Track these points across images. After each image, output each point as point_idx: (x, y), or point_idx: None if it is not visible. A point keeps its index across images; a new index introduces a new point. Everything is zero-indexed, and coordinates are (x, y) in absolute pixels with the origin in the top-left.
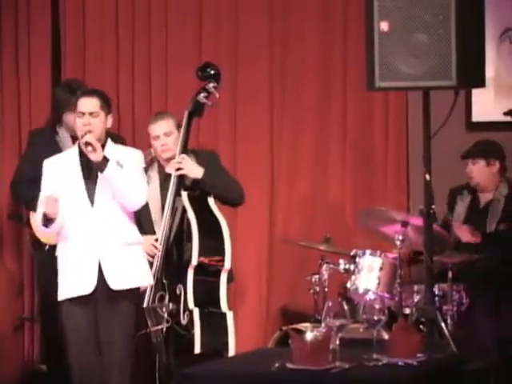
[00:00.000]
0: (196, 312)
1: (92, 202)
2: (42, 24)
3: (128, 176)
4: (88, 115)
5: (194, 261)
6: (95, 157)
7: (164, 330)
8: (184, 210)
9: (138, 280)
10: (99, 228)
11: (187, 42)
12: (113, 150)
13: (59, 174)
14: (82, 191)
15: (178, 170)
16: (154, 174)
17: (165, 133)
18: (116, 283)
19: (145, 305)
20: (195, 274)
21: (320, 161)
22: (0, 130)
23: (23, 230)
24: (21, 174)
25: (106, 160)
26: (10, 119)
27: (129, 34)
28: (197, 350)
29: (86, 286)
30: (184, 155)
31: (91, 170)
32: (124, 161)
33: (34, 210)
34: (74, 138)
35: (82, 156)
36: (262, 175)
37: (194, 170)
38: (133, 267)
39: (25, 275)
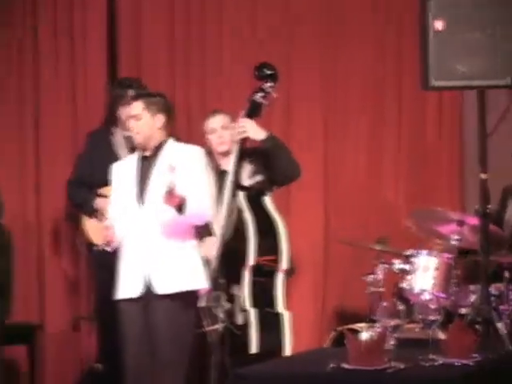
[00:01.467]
0: (252, 312)
1: (142, 203)
2: (98, 24)
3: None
4: (132, 118)
5: (251, 261)
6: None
7: (220, 329)
8: (240, 210)
9: (186, 284)
10: (149, 230)
11: (242, 42)
12: (172, 149)
13: (121, 176)
14: (135, 193)
15: (241, 134)
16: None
17: (222, 126)
18: (162, 287)
19: (201, 304)
20: (251, 274)
21: (374, 160)
22: (56, 131)
23: (79, 231)
24: (76, 175)
25: None
26: (65, 120)
27: (184, 34)
28: (252, 350)
29: (134, 289)
30: (246, 119)
31: (146, 171)
32: (183, 161)
33: (86, 212)
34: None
35: (141, 158)
36: (315, 175)
37: (257, 132)
38: (182, 271)
39: (81, 275)
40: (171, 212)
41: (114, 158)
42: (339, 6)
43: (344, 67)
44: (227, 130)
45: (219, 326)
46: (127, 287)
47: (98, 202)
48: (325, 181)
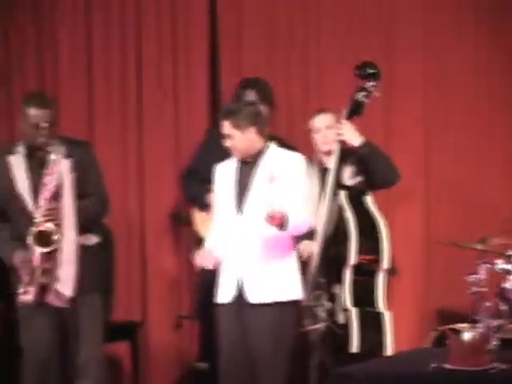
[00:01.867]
0: (353, 311)
1: (241, 212)
2: (200, 27)
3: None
4: (226, 137)
5: (352, 260)
6: None
7: (321, 329)
8: (341, 209)
9: (279, 295)
10: (247, 239)
11: (342, 40)
12: (273, 156)
13: (222, 179)
14: (234, 201)
15: (339, 136)
16: (314, 169)
17: (326, 126)
18: (254, 297)
19: (302, 304)
20: (352, 273)
21: (478, 159)
22: (159, 131)
23: (182, 230)
24: (190, 169)
25: None
26: (168, 120)
27: (285, 34)
28: (353, 349)
29: (228, 295)
30: (346, 121)
31: (246, 179)
32: (283, 170)
33: (199, 207)
34: None
35: (241, 163)
36: (416, 174)
37: (353, 137)
38: (276, 281)
39: (183, 273)
40: (272, 228)
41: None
42: (439, 5)
43: (446, 66)
44: (331, 130)
45: (320, 326)
46: (223, 292)
47: (211, 198)
48: (425, 181)
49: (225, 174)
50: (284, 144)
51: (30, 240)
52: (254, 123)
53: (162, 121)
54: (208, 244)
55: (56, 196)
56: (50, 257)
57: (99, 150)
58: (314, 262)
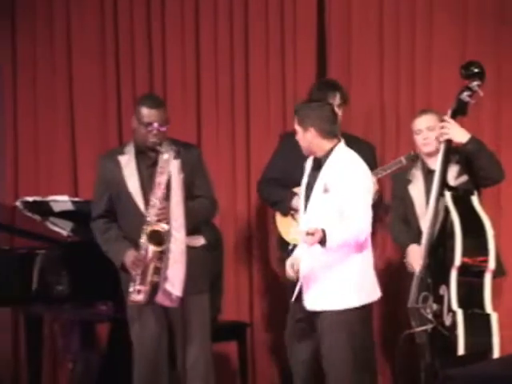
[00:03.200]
0: (459, 313)
1: (305, 208)
2: (308, 25)
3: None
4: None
5: (458, 261)
6: None
7: (428, 330)
8: (447, 210)
9: (336, 303)
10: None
11: (451, 40)
12: (335, 162)
13: (305, 175)
14: (303, 200)
15: (444, 135)
16: (418, 171)
17: (427, 127)
18: (311, 304)
19: (409, 305)
20: (459, 274)
21: None
22: (266, 130)
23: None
24: (266, 173)
25: None
26: (275, 118)
27: (392, 34)
28: (460, 351)
29: (293, 294)
30: (449, 119)
31: (311, 183)
32: (339, 179)
33: (279, 210)
34: None
35: (311, 165)
36: None
37: (459, 134)
38: (332, 289)
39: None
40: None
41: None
42: None
43: None
44: (433, 131)
45: (427, 327)
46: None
47: (295, 202)
48: None
49: (307, 170)
50: (354, 142)
51: (143, 239)
52: (314, 124)
53: (269, 120)
54: (298, 251)
55: (167, 196)
56: (162, 256)
57: (208, 153)
58: (421, 265)
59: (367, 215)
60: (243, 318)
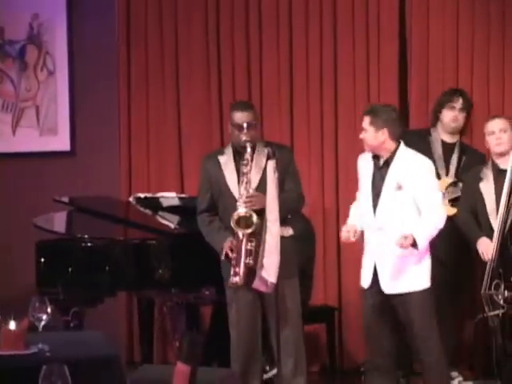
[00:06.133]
0: None
1: (374, 214)
2: (390, 27)
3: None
4: (363, 130)
5: None
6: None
7: (500, 315)
8: None
9: (413, 285)
10: (378, 237)
11: None
12: (402, 160)
13: (363, 170)
14: (370, 201)
15: None
16: (489, 170)
17: (500, 129)
18: (388, 287)
19: (482, 291)
20: None
21: None
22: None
23: None
24: None
25: None
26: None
27: (470, 36)
28: None
29: (365, 281)
30: None
31: (379, 182)
32: (411, 175)
33: None
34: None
35: (376, 165)
36: None
37: None
38: (410, 272)
39: None
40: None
41: (428, 156)
42: None
43: None
44: (505, 133)
45: (499, 312)
46: (362, 277)
47: None
48: None
49: (365, 167)
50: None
51: (232, 224)
52: (388, 125)
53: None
54: (350, 220)
55: (258, 186)
56: (251, 239)
57: (299, 152)
58: (493, 255)
59: (441, 202)
60: (331, 302)
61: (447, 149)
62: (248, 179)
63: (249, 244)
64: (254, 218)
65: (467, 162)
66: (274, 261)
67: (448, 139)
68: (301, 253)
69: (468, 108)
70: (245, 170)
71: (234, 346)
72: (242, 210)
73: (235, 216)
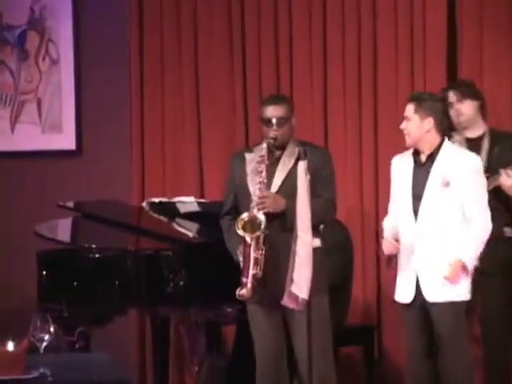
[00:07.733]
0: None
1: (416, 217)
2: (437, 23)
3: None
4: (405, 119)
5: None
6: None
7: None
8: None
9: (456, 294)
10: (420, 242)
11: None
12: (447, 155)
13: (399, 172)
14: (410, 203)
15: None
16: None
17: None
18: (432, 296)
19: None
20: None
21: None
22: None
23: None
24: None
25: None
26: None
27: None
28: None
29: (405, 296)
30: None
31: (421, 181)
32: (457, 172)
33: None
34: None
35: (416, 162)
36: None
37: None
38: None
39: None
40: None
41: None
42: None
43: None
44: None
45: None
46: (399, 292)
47: None
48: None
49: (402, 168)
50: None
51: (237, 229)
52: (435, 114)
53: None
54: (387, 233)
55: (276, 186)
56: (259, 246)
57: (335, 152)
58: None
59: (488, 210)
60: (370, 321)
61: (472, 145)
62: (263, 178)
63: (257, 251)
64: (261, 220)
65: (499, 150)
66: (305, 274)
67: (471, 134)
68: (334, 267)
69: (468, 94)
70: (259, 169)
71: (258, 368)
72: (244, 215)
73: (239, 222)
